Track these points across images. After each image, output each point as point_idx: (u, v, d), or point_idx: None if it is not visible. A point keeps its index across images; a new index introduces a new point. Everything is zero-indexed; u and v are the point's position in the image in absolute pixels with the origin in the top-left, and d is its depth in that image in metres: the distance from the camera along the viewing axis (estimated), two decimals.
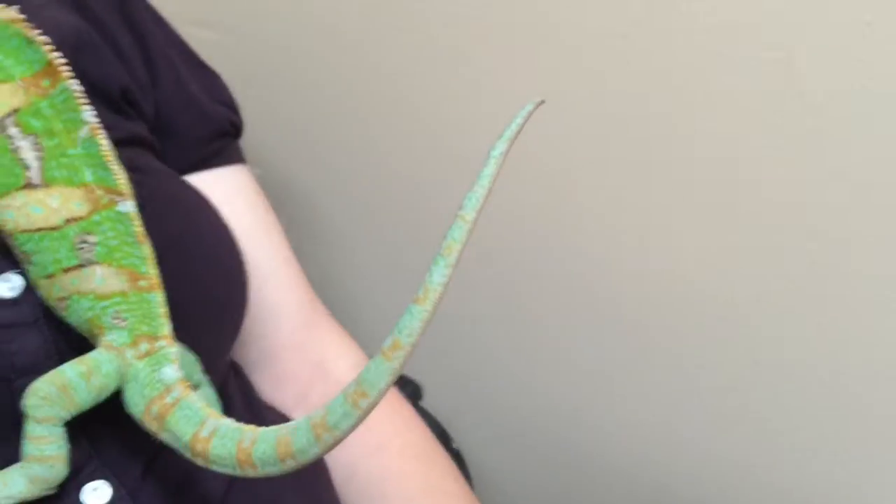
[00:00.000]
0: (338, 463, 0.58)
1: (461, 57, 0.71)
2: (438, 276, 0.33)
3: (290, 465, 0.36)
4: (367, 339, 0.67)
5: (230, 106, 0.63)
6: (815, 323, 0.62)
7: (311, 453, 0.35)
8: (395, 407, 0.61)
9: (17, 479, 0.38)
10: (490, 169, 0.33)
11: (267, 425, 0.38)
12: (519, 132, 0.34)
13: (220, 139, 0.60)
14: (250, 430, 0.37)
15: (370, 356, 0.64)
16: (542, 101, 0.35)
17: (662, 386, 0.72)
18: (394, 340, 0.33)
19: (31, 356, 0.39)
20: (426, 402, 0.82)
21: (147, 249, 0.39)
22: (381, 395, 0.34)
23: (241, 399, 0.53)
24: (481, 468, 0.85)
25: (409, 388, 0.81)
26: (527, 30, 0.67)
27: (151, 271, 0.39)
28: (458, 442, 0.82)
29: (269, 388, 0.59)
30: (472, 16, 0.69)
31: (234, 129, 0.62)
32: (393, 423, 0.59)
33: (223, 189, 0.57)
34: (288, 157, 0.84)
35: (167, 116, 0.57)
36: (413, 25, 0.73)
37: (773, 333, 0.64)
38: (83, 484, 0.41)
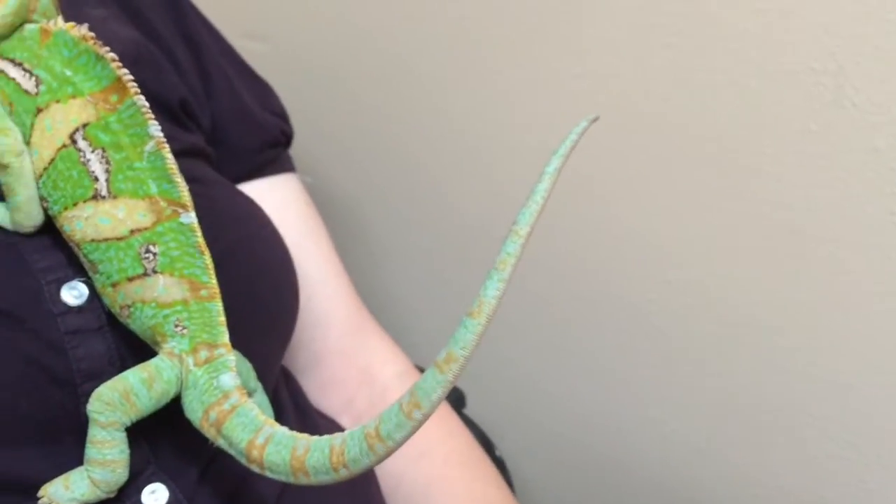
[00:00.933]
0: (385, 471, 0.58)
1: (508, 70, 0.72)
2: (493, 289, 0.33)
3: (343, 474, 0.36)
4: (410, 346, 0.68)
5: (281, 115, 0.64)
6: (849, 333, 0.62)
7: (364, 463, 0.36)
8: (440, 415, 0.61)
9: (80, 482, 0.39)
10: (544, 185, 0.34)
11: (318, 431, 0.39)
12: (573, 148, 0.35)
13: (272, 149, 0.62)
14: (304, 438, 0.38)
15: (414, 362, 0.66)
16: (597, 118, 0.35)
17: (706, 400, 0.72)
18: (448, 353, 0.34)
19: (96, 362, 0.41)
20: (469, 410, 0.82)
21: (208, 259, 0.40)
22: (435, 406, 0.34)
23: (293, 405, 0.54)
24: (524, 476, 0.85)
25: (453, 396, 0.81)
26: (572, 42, 0.67)
27: (212, 281, 0.40)
28: (501, 450, 0.82)
29: (316, 393, 0.60)
30: (520, 29, 0.70)
31: (284, 138, 0.63)
32: (438, 431, 0.60)
33: (274, 198, 0.59)
34: (335, 166, 0.85)
35: (221, 127, 0.59)
36: (460, 38, 0.74)
37: (809, 344, 0.64)
38: (142, 487, 0.42)
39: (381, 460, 0.36)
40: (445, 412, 0.62)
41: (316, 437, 0.38)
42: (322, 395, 0.60)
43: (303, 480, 0.37)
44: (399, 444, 0.35)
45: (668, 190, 0.67)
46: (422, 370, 0.42)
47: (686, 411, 0.73)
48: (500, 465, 0.81)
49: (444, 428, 0.61)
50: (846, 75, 0.56)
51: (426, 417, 0.34)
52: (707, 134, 0.63)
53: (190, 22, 0.59)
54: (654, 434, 0.76)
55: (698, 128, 0.64)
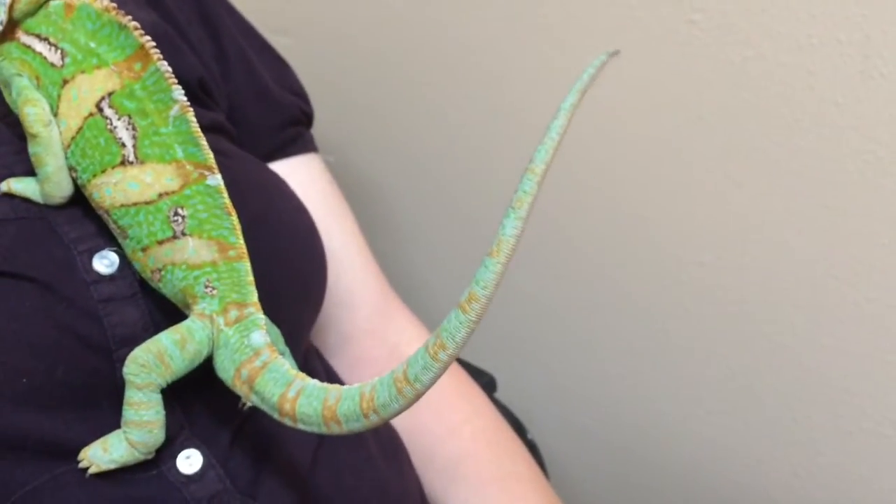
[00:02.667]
0: (415, 449, 0.58)
1: (531, 48, 0.72)
2: (510, 228, 0.33)
3: (373, 420, 0.37)
4: (433, 326, 0.68)
5: (301, 95, 0.64)
6: (888, 310, 0.61)
7: (394, 408, 0.36)
8: (465, 395, 0.61)
9: (119, 445, 0.40)
10: (560, 121, 0.34)
11: None
12: (591, 83, 0.35)
13: (292, 127, 0.62)
14: (335, 388, 0.38)
15: None
16: (617, 52, 0.35)
17: (740, 379, 0.71)
18: (470, 293, 0.34)
19: (130, 328, 0.41)
20: (500, 395, 0.82)
21: (235, 220, 0.40)
22: (459, 347, 0.34)
23: (326, 377, 0.54)
24: (556, 459, 0.84)
25: (484, 380, 0.81)
26: (599, 17, 0.67)
27: (239, 241, 0.41)
28: (533, 434, 0.82)
29: (346, 372, 0.60)
30: (545, 8, 0.70)
31: (305, 117, 0.64)
32: (462, 410, 0.60)
33: (297, 178, 0.59)
34: (359, 146, 0.86)
35: (239, 106, 0.59)
36: (480, 19, 0.74)
37: (849, 321, 0.63)
38: (177, 453, 0.42)
39: (409, 404, 0.36)
40: (472, 392, 0.62)
41: (346, 387, 0.38)
42: (351, 373, 0.61)
43: (335, 430, 0.38)
44: (426, 387, 0.35)
45: (698, 169, 0.67)
46: None
47: (720, 391, 0.72)
48: (532, 448, 0.80)
49: (469, 407, 0.61)
50: (873, 45, 0.55)
51: (451, 358, 0.34)
52: (733, 110, 0.63)
53: (208, 2, 0.60)
54: (687, 416, 0.75)
55: (724, 104, 0.63)
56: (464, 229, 0.81)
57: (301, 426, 0.39)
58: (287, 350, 0.45)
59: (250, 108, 0.59)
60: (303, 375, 0.39)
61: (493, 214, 0.80)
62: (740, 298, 0.69)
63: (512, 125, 0.76)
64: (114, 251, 0.42)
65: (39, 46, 0.41)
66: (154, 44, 0.40)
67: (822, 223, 0.62)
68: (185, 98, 0.40)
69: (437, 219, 0.83)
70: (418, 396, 0.35)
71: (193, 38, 0.57)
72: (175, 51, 0.53)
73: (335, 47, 0.83)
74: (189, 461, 0.42)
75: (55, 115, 0.41)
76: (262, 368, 0.39)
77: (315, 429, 0.38)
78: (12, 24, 0.40)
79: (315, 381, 0.39)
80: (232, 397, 0.41)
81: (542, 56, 0.71)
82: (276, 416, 0.39)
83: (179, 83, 0.40)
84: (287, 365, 0.40)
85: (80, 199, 0.43)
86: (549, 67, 0.71)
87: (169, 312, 0.42)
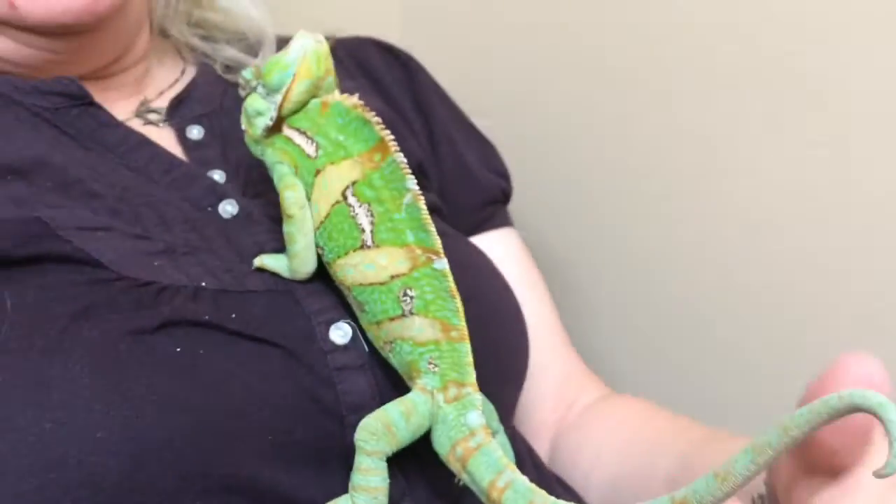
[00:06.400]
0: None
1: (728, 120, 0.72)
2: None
3: None
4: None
5: (503, 175, 0.68)
6: None
7: None
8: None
9: None
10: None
11: (551, 490, 0.40)
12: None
13: (491, 206, 0.66)
14: (542, 495, 0.39)
15: None
16: None
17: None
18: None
19: (359, 396, 0.45)
20: None
21: (458, 303, 0.43)
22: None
23: (529, 459, 0.55)
24: None
25: None
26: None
27: (461, 323, 0.43)
28: None
29: (531, 439, 0.62)
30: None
31: (503, 196, 0.67)
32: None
33: (495, 251, 0.62)
34: (553, 226, 0.88)
35: (445, 187, 0.64)
36: (676, 94, 0.75)
37: None
38: None
39: None
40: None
41: (553, 499, 0.39)
42: (535, 440, 0.63)
43: None
44: None
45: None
46: None
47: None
48: None
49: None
50: None
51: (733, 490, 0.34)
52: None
53: (422, 90, 0.65)
54: None
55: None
56: (654, 316, 0.81)
57: None
58: (501, 428, 0.46)
59: (454, 189, 0.63)
60: (513, 467, 0.41)
61: (682, 294, 0.79)
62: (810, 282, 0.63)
63: (720, 216, 0.75)
64: (347, 323, 0.46)
65: (298, 139, 0.46)
66: (392, 136, 0.44)
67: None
68: (416, 187, 0.43)
69: (625, 302, 0.84)
70: None
71: (414, 124, 0.61)
72: (399, 137, 0.58)
73: (531, 129, 0.86)
74: None
75: (309, 199, 0.46)
76: (476, 450, 0.41)
77: None
78: (279, 120, 0.46)
79: (524, 479, 0.40)
80: (448, 472, 0.43)
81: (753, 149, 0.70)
82: (484, 499, 0.41)
83: None
84: (500, 451, 0.41)
85: (319, 274, 0.47)
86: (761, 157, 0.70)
87: (393, 384, 0.45)
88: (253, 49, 0.62)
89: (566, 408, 0.64)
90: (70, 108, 0.51)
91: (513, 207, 0.71)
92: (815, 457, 0.35)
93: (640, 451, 0.56)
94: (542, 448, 0.63)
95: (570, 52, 0.82)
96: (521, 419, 0.64)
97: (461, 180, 0.65)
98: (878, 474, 0.31)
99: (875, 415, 0.31)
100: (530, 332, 0.60)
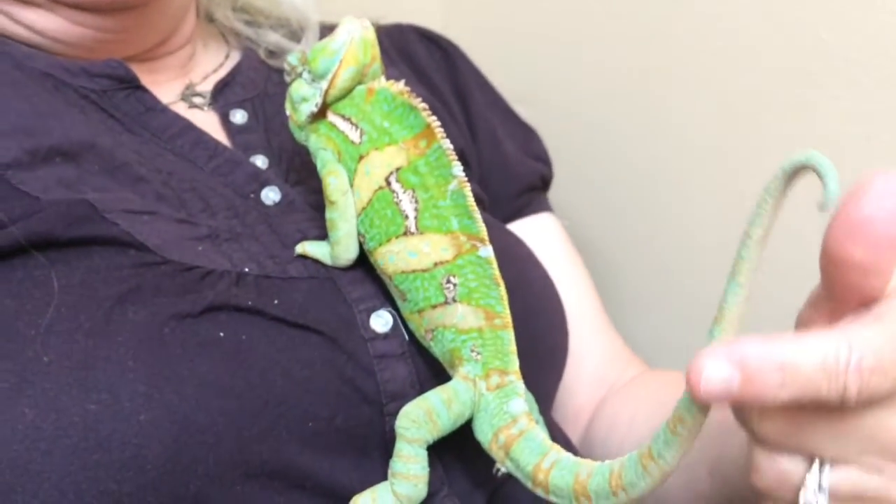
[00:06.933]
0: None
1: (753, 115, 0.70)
2: (731, 296, 0.33)
3: (622, 497, 0.37)
4: None
5: (543, 160, 0.67)
6: None
7: (641, 486, 0.36)
8: None
9: (385, 496, 0.42)
10: (776, 183, 0.32)
11: None
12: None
13: (528, 193, 0.65)
14: (587, 463, 0.39)
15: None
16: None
17: None
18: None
19: (399, 384, 0.44)
20: None
21: (502, 291, 0.42)
22: (698, 420, 0.33)
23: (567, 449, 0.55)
24: None
25: None
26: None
27: (505, 311, 0.42)
28: None
29: (571, 422, 0.62)
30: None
31: (542, 182, 0.67)
32: None
33: (533, 237, 0.61)
34: (591, 215, 0.87)
35: (483, 175, 0.63)
36: (712, 84, 0.73)
37: None
38: None
39: (655, 483, 0.35)
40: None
41: (598, 463, 0.38)
42: (576, 423, 0.63)
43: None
44: (670, 464, 0.35)
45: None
46: None
47: None
48: None
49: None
50: None
51: (691, 432, 0.34)
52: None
53: (462, 77, 0.64)
54: None
55: None
56: (696, 302, 0.80)
57: (552, 498, 0.39)
58: (541, 419, 0.46)
59: (492, 177, 0.62)
60: (557, 447, 0.40)
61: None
62: None
63: (736, 192, 0.73)
64: (388, 311, 0.46)
65: (343, 125, 0.46)
66: (439, 123, 0.43)
67: None
68: (462, 174, 0.43)
69: (666, 288, 0.82)
70: (664, 475, 0.35)
71: (454, 111, 0.61)
72: (442, 124, 0.57)
73: (569, 117, 0.85)
74: None
75: (351, 186, 0.45)
76: (519, 436, 0.41)
77: (565, 501, 0.39)
78: (324, 106, 0.46)
79: (569, 455, 0.40)
80: (488, 461, 0.43)
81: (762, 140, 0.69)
82: (529, 484, 0.40)
83: None
84: (543, 435, 0.41)
85: (360, 262, 0.47)
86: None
87: (433, 372, 0.45)
88: (296, 35, 0.62)
89: (607, 388, 0.64)
90: (117, 91, 0.51)
91: (552, 194, 0.70)
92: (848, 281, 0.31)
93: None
94: (576, 434, 0.63)
95: (613, 39, 0.81)
96: (560, 403, 0.64)
97: (498, 169, 0.64)
98: (821, 207, 0.30)
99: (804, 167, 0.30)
100: (572, 315, 0.59)
